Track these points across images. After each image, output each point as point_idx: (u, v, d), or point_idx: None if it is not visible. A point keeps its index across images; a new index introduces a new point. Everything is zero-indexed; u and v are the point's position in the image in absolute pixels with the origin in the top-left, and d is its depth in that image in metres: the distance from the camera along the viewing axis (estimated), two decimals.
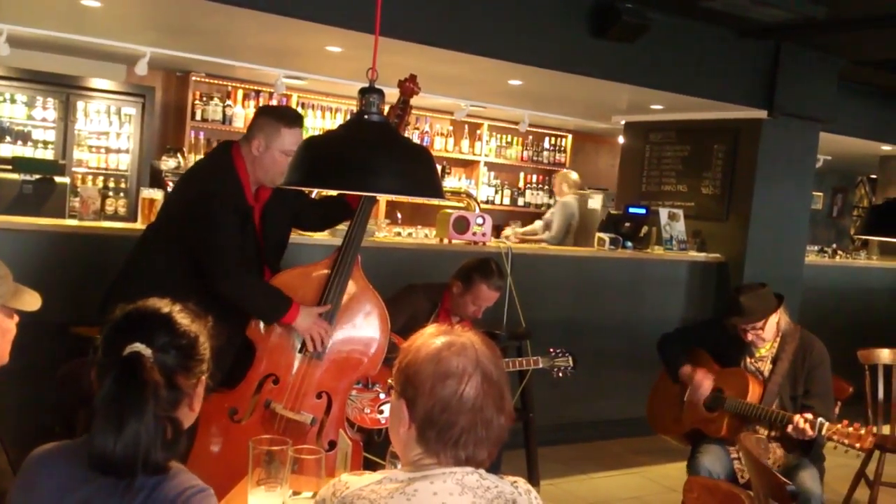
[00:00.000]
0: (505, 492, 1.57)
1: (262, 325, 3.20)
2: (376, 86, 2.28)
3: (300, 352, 3.19)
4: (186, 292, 3.03)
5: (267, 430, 3.03)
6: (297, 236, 4.11)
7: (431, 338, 1.63)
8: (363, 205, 3.24)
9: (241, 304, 3.14)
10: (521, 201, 9.35)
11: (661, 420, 4.17)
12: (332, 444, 3.13)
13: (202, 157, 6.09)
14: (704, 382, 3.83)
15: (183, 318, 1.68)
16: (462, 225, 5.22)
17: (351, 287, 3.23)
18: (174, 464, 1.59)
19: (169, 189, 5.88)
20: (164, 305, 1.69)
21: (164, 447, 1.54)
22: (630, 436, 5.76)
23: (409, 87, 3.08)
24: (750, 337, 3.74)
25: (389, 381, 1.69)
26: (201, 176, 3.32)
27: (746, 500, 2.20)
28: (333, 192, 3.46)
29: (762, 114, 6.21)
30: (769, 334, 3.74)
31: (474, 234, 5.25)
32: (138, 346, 1.57)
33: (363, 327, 3.26)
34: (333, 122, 7.90)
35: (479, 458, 1.58)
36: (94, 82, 6.97)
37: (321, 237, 4.55)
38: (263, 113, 3.31)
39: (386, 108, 2.96)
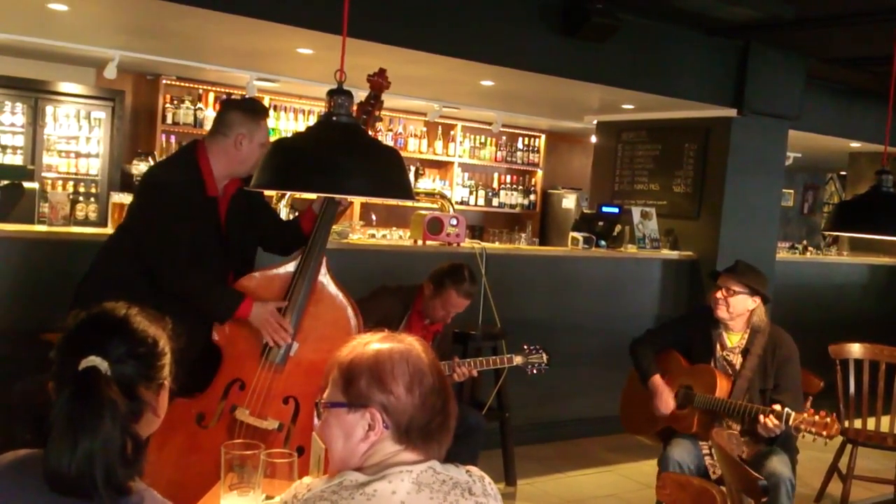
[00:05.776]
0: (460, 481, 1.60)
1: (227, 328, 3.17)
2: (345, 87, 2.28)
3: (263, 356, 3.15)
4: (151, 294, 3.03)
5: (232, 436, 3.00)
6: None
7: (376, 343, 1.65)
8: (325, 207, 3.24)
9: (191, 298, 3.10)
10: (495, 202, 9.37)
11: (633, 420, 4.19)
12: (301, 451, 3.09)
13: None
14: (655, 411, 3.86)
15: (140, 322, 1.60)
16: (436, 226, 5.22)
17: (318, 289, 3.20)
18: (139, 485, 1.51)
19: None
20: (119, 309, 1.61)
21: (123, 464, 1.46)
22: (605, 434, 5.78)
23: (378, 81, 3.08)
24: (718, 296, 3.77)
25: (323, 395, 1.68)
26: (154, 171, 3.42)
27: (718, 496, 2.21)
28: (307, 201, 3.43)
29: (732, 112, 6.26)
30: (736, 308, 3.76)
31: (448, 235, 5.24)
32: (94, 360, 1.49)
33: (331, 330, 3.22)
34: (305, 125, 7.87)
35: (445, 446, 1.64)
36: (63, 86, 6.90)
37: None
38: (236, 108, 3.32)
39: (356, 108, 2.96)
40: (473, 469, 1.67)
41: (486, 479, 1.67)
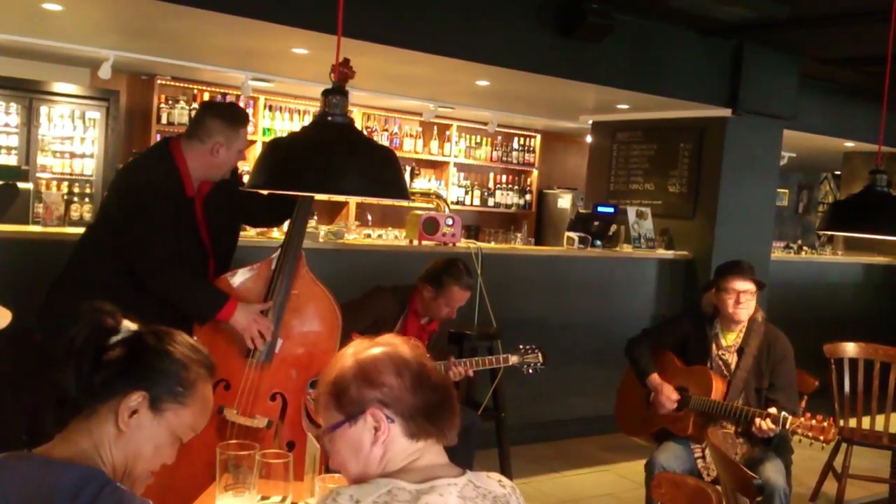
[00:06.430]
0: (498, 495, 1.61)
1: (207, 329, 3.13)
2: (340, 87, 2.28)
3: (248, 355, 3.13)
4: (129, 293, 3.01)
5: (222, 437, 2.99)
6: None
7: (351, 352, 1.65)
8: (300, 201, 3.21)
9: (174, 299, 3.07)
10: (491, 202, 9.37)
11: (629, 422, 4.18)
12: (291, 445, 3.09)
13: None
14: (667, 404, 3.84)
15: (179, 342, 1.68)
16: (432, 226, 5.22)
17: (298, 284, 3.19)
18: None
19: None
20: (176, 333, 1.71)
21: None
22: (601, 433, 5.78)
23: (343, 72, 3.08)
24: (741, 301, 3.72)
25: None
26: (134, 169, 3.33)
27: (713, 495, 2.22)
28: None
29: (726, 112, 6.27)
30: (750, 308, 3.75)
31: (444, 234, 5.25)
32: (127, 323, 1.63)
33: (313, 324, 3.23)
34: (300, 125, 7.86)
35: (455, 429, 1.64)
36: (58, 87, 6.88)
37: (262, 239, 4.58)
38: (215, 115, 3.24)
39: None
40: (504, 479, 1.67)
41: (517, 490, 1.68)
